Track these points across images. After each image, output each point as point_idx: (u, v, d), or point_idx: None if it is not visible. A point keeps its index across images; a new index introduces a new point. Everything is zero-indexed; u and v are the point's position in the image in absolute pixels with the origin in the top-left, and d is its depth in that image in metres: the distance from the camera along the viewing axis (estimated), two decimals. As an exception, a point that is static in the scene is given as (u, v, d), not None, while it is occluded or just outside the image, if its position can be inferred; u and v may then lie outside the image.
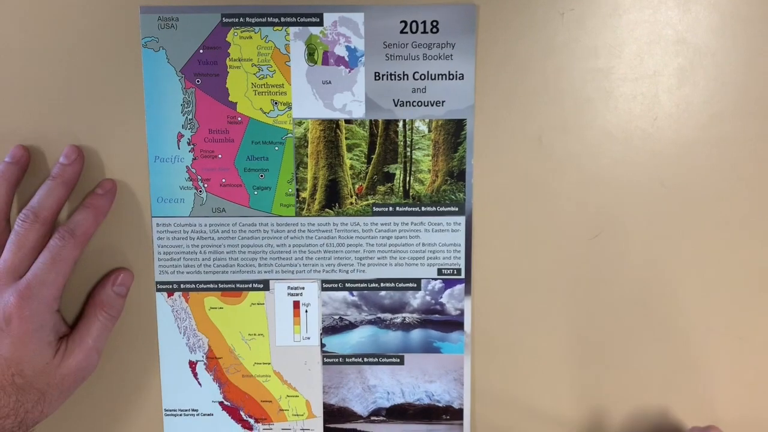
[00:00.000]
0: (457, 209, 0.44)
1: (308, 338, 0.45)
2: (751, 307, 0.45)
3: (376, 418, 0.46)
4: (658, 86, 0.43)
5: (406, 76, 0.42)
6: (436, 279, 0.44)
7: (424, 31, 0.42)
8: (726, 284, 0.44)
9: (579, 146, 0.43)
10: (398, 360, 0.45)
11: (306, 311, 0.45)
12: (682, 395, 0.45)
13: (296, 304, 0.45)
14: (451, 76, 0.42)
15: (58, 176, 0.42)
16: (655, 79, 0.43)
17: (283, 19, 0.42)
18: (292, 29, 0.42)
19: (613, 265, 0.44)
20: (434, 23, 0.42)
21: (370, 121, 0.43)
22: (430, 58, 0.42)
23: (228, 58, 0.42)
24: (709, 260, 0.44)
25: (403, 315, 0.45)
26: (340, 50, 0.42)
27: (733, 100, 0.43)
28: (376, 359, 0.45)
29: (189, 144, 0.43)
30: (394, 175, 0.44)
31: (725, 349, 0.45)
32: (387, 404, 0.46)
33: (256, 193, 0.44)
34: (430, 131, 0.43)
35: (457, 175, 0.43)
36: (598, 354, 0.45)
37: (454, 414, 0.45)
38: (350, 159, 0.43)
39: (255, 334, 0.45)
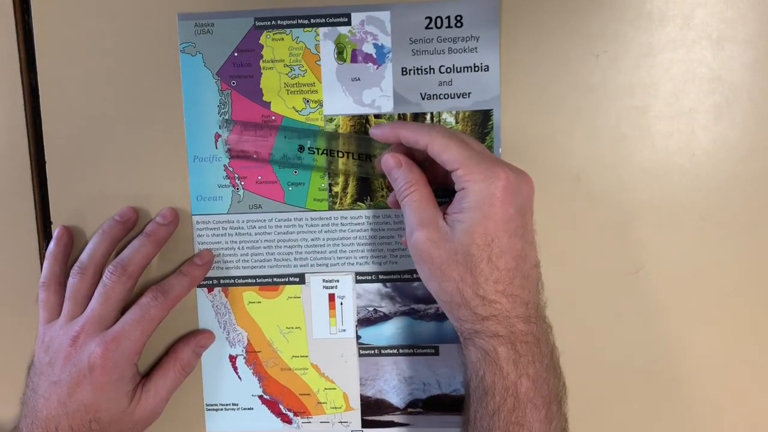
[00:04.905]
0: (486, 199, 0.44)
1: (344, 330, 0.46)
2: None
3: (413, 410, 0.46)
4: (695, 123, 0.43)
5: (432, 70, 0.44)
6: (468, 269, 0.45)
7: (449, 26, 0.43)
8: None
9: (616, 181, 0.44)
10: (433, 351, 0.46)
11: (341, 303, 0.46)
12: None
13: (331, 297, 0.46)
14: (476, 68, 0.43)
15: (151, 234, 0.44)
16: (691, 116, 0.43)
17: (312, 20, 0.44)
18: (322, 29, 0.44)
19: (654, 296, 0.44)
20: (458, 17, 0.43)
21: (399, 114, 0.44)
22: (455, 51, 0.43)
23: (261, 60, 0.44)
24: (750, 292, 0.44)
25: (437, 305, 0.45)
26: (368, 48, 0.44)
27: None
28: (412, 350, 0.46)
29: (226, 143, 0.45)
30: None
31: (762, 383, 0.45)
32: (423, 396, 0.46)
33: (290, 188, 0.45)
34: (457, 123, 0.44)
35: (486, 165, 0.44)
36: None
37: (490, 404, 0.45)
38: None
39: (292, 327, 0.46)
